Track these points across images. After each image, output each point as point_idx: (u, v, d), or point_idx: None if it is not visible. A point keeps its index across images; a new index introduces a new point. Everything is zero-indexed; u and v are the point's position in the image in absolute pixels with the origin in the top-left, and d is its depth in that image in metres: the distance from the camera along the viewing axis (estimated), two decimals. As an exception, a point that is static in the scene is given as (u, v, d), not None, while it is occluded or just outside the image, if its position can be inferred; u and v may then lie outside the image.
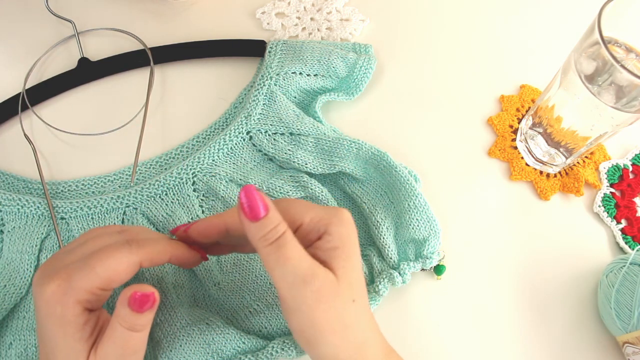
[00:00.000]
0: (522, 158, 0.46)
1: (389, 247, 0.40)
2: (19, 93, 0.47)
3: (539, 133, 0.44)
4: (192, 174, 0.42)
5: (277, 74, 0.46)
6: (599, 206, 0.44)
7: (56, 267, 0.29)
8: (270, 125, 0.44)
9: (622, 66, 0.32)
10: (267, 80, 0.45)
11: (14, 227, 0.40)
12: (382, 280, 0.39)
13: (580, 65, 0.36)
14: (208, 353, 0.35)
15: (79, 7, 0.53)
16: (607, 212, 0.44)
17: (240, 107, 0.47)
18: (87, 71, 0.49)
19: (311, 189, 0.42)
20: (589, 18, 0.35)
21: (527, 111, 0.48)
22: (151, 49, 0.49)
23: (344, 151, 0.42)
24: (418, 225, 0.40)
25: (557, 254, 0.43)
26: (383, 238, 0.40)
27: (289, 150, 0.43)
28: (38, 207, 0.41)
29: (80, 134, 0.46)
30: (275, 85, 0.45)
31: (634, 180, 0.45)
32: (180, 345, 0.35)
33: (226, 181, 0.42)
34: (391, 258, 0.39)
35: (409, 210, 0.40)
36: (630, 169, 0.46)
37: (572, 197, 0.45)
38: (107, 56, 0.49)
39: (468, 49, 0.51)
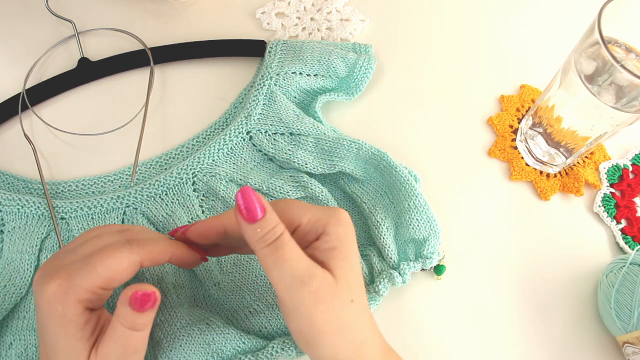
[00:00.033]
0: (522, 158, 0.46)
1: (389, 247, 0.40)
2: (19, 93, 0.47)
3: (539, 133, 0.44)
4: (192, 174, 0.42)
5: (277, 74, 0.46)
6: (599, 206, 0.44)
7: (57, 266, 0.29)
8: (270, 125, 0.44)
9: (622, 66, 0.32)
10: (267, 80, 0.45)
11: (14, 227, 0.40)
12: (382, 280, 0.39)
13: (580, 65, 0.36)
14: (208, 353, 0.35)
15: (79, 7, 0.53)
16: (607, 212, 0.44)
17: (240, 107, 0.47)
18: (87, 71, 0.49)
19: (311, 189, 0.42)
20: (589, 18, 0.35)
21: (527, 111, 0.48)
22: (151, 49, 0.49)
23: (344, 151, 0.42)
24: (418, 225, 0.40)
25: (557, 254, 0.43)
26: (383, 238, 0.40)
27: (289, 150, 0.43)
28: (38, 207, 0.41)
29: (80, 134, 0.46)
30: (275, 85, 0.45)
31: (634, 180, 0.45)
32: (180, 345, 0.35)
33: (226, 181, 0.42)
34: (391, 258, 0.40)
35: (409, 210, 0.40)
36: (630, 169, 0.46)
37: (572, 197, 0.45)
38: (107, 56, 0.49)
39: (468, 49, 0.51)
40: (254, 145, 0.44)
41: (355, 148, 0.42)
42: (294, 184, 0.42)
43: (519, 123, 0.47)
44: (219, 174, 0.43)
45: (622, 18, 0.36)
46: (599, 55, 0.35)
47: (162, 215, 0.41)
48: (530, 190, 0.45)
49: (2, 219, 0.41)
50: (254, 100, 0.45)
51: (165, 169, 0.45)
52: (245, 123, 0.44)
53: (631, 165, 0.46)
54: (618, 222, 0.43)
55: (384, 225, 0.40)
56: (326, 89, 0.47)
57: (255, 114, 0.44)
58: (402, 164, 0.42)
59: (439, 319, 0.40)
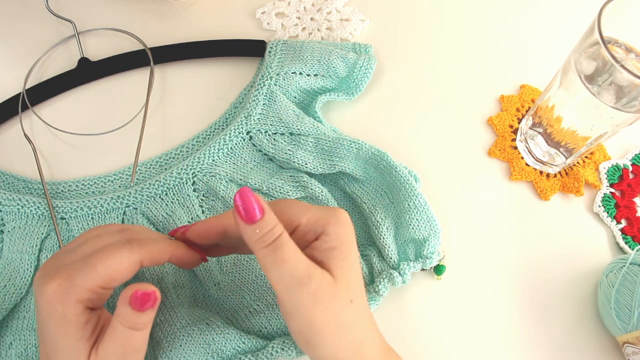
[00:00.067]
0: (522, 158, 0.46)
1: (389, 247, 0.40)
2: (19, 93, 0.47)
3: (539, 133, 0.44)
4: (192, 174, 0.42)
5: (277, 74, 0.46)
6: (599, 206, 0.44)
7: (57, 266, 0.29)
8: (270, 125, 0.44)
9: (622, 66, 0.32)
10: (267, 80, 0.45)
11: (14, 227, 0.40)
12: (382, 280, 0.39)
13: (580, 65, 0.36)
14: (208, 353, 0.35)
15: (79, 7, 0.53)
16: (607, 212, 0.44)
17: (240, 107, 0.47)
18: (87, 71, 0.49)
19: (311, 189, 0.42)
20: (589, 18, 0.35)
21: (527, 111, 0.48)
22: (151, 49, 0.49)
23: (344, 151, 0.42)
24: (418, 225, 0.40)
25: (557, 254, 0.43)
26: (383, 238, 0.40)
27: (289, 150, 0.43)
28: (38, 207, 0.41)
29: (80, 134, 0.46)
30: (275, 85, 0.45)
31: (634, 180, 0.45)
32: (180, 345, 0.35)
33: (226, 181, 0.42)
34: (391, 258, 0.40)
35: (409, 210, 0.40)
36: (630, 169, 0.46)
37: (572, 197, 0.45)
38: (107, 56, 0.49)
39: (468, 49, 0.51)
40: (254, 145, 0.44)
41: (355, 148, 0.42)
42: (294, 184, 0.42)
43: (519, 123, 0.47)
44: (219, 174, 0.43)
45: (622, 18, 0.36)
46: (599, 55, 0.35)
47: (162, 215, 0.41)
48: (530, 190, 0.45)
49: (2, 219, 0.41)
50: (254, 100, 0.45)
51: (165, 169, 0.45)
52: (245, 123, 0.44)
53: (631, 165, 0.46)
54: (618, 222, 0.43)
55: (384, 225, 0.40)
56: (326, 89, 0.47)
57: (255, 114, 0.44)
58: (402, 164, 0.42)
59: (439, 319, 0.40)
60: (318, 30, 0.52)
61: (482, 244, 0.43)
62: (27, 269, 0.39)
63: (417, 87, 0.49)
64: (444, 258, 0.41)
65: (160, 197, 0.42)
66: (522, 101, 0.48)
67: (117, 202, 0.41)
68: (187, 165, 0.42)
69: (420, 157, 0.46)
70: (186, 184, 0.42)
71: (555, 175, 0.45)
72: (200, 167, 0.42)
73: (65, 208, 0.41)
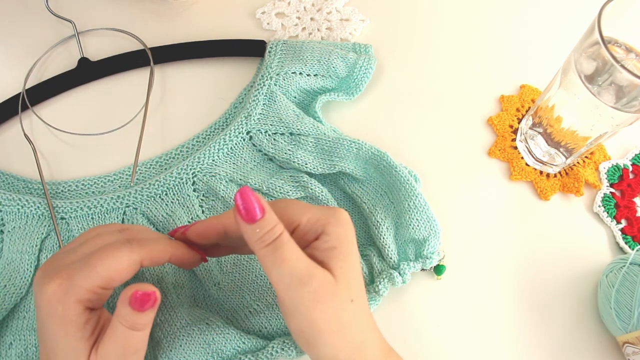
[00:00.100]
0: (522, 158, 0.46)
1: (389, 247, 0.40)
2: (19, 93, 0.47)
3: (539, 133, 0.44)
4: (192, 174, 0.42)
5: (277, 74, 0.46)
6: (599, 206, 0.44)
7: (57, 266, 0.29)
8: (270, 125, 0.44)
9: (622, 66, 0.32)
10: (267, 80, 0.45)
11: (14, 227, 0.40)
12: (382, 280, 0.39)
13: (580, 65, 0.36)
14: (208, 353, 0.35)
15: (79, 7, 0.53)
16: (607, 212, 0.44)
17: (240, 107, 0.47)
18: (87, 71, 0.49)
19: (311, 189, 0.42)
20: (589, 18, 0.35)
21: (527, 111, 0.48)
22: (151, 49, 0.49)
23: (344, 151, 0.42)
24: (418, 225, 0.40)
25: (557, 254, 0.43)
26: (383, 238, 0.40)
27: (289, 150, 0.43)
28: (38, 207, 0.41)
29: (80, 134, 0.46)
30: (275, 85, 0.45)
31: (634, 180, 0.45)
32: (180, 345, 0.35)
33: (226, 181, 0.42)
34: (391, 258, 0.40)
35: (409, 210, 0.40)
36: (630, 169, 0.46)
37: (572, 197, 0.45)
38: (107, 56, 0.49)
39: (468, 49, 0.51)
40: (254, 145, 0.44)
41: (355, 148, 0.42)
42: (294, 184, 0.42)
43: (519, 123, 0.47)
44: (219, 174, 0.43)
45: (622, 18, 0.36)
46: (599, 55, 0.35)
47: (162, 215, 0.41)
48: (530, 190, 0.45)
49: (2, 219, 0.41)
50: (254, 100, 0.45)
51: (165, 169, 0.45)
52: (245, 123, 0.44)
53: (631, 165, 0.46)
54: (618, 222, 0.43)
55: (384, 225, 0.40)
56: (326, 89, 0.47)
57: (255, 114, 0.44)
58: (402, 164, 0.42)
59: (439, 319, 0.40)
60: (318, 30, 0.52)
61: (482, 244, 0.43)
62: (27, 269, 0.39)
63: (417, 87, 0.49)
64: (444, 258, 0.41)
65: (160, 197, 0.42)
66: (522, 101, 0.48)
67: (117, 202, 0.41)
68: (187, 165, 0.42)
69: (420, 157, 0.46)
70: (186, 184, 0.42)
71: (555, 175, 0.45)
72: (200, 167, 0.42)
73: (65, 208, 0.41)
